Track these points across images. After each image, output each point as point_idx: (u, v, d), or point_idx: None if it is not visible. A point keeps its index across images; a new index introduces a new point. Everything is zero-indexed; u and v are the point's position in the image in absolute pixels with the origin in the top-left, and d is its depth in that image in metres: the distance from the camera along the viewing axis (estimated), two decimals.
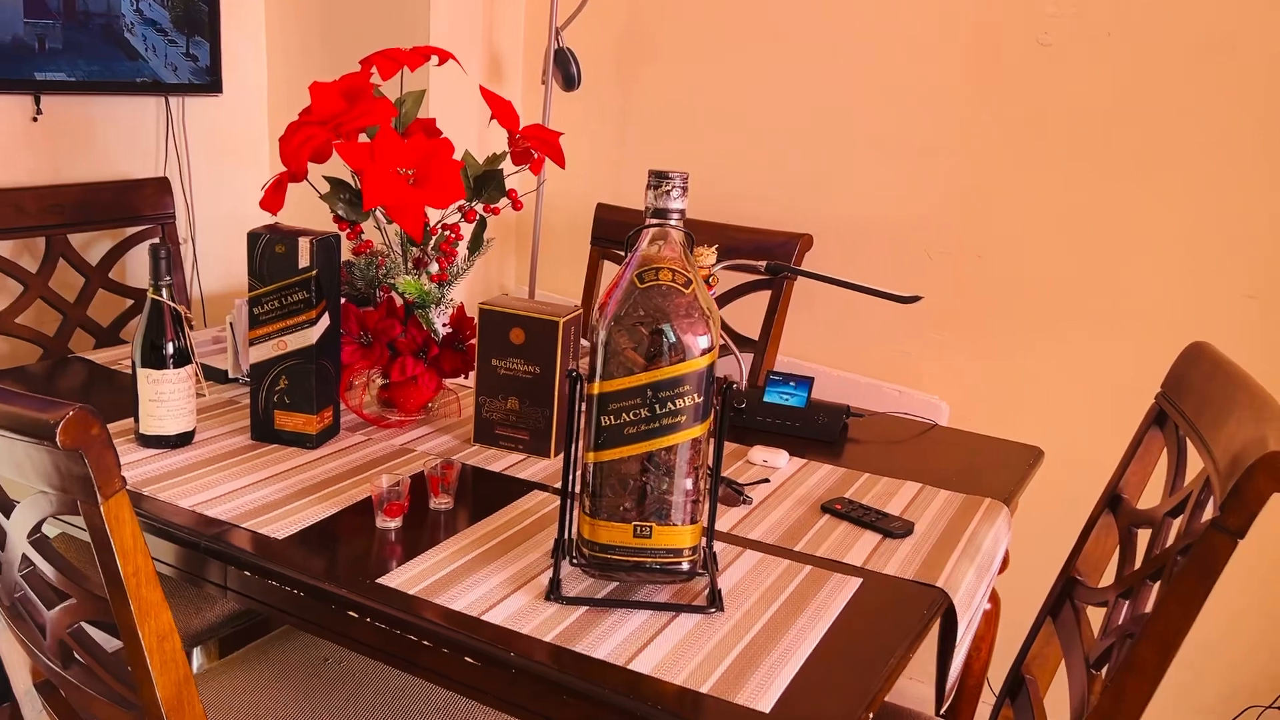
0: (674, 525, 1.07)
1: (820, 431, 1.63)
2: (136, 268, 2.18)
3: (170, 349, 1.37)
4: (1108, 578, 1.36)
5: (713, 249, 1.63)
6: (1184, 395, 1.25)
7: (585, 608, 1.08)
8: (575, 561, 1.10)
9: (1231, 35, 1.80)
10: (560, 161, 1.56)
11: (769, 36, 2.20)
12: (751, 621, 1.07)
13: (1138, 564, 1.25)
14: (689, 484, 1.07)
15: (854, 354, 2.17)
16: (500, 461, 1.44)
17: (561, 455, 1.47)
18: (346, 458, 1.42)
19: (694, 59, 2.30)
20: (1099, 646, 1.20)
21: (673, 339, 1.03)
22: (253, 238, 1.38)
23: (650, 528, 1.07)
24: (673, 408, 1.04)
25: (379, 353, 1.48)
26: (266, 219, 2.51)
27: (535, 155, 1.56)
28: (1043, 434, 2.05)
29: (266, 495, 1.28)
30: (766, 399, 1.67)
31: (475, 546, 1.19)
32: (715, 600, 1.09)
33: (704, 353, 1.04)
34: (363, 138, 1.46)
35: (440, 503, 1.29)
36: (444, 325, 1.50)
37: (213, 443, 1.43)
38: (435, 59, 1.49)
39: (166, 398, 1.37)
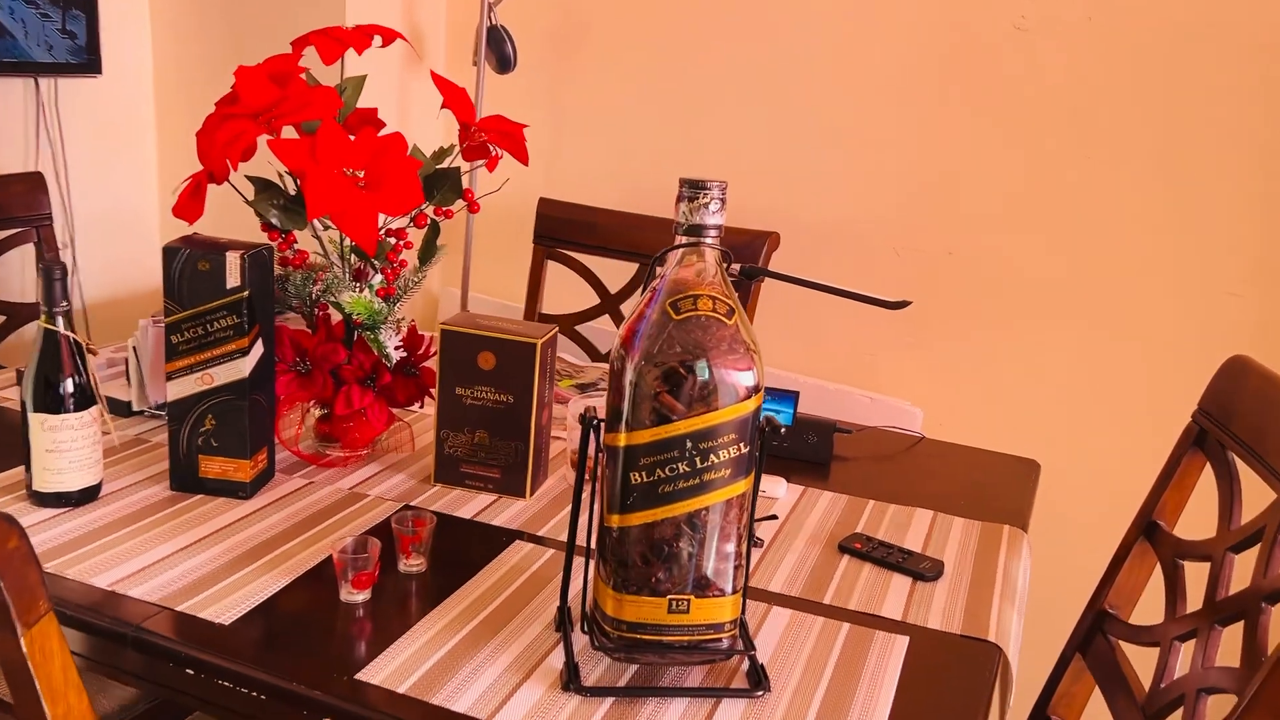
0: (714, 597, 0.91)
1: (811, 452, 1.49)
2: (7, 276, 1.89)
3: (69, 387, 1.14)
4: (1141, 611, 1.27)
5: None
6: (1232, 417, 1.15)
7: (611, 699, 0.91)
8: (598, 645, 0.93)
9: (1214, 23, 1.72)
10: (523, 158, 1.37)
11: (724, 17, 2.04)
12: (806, 701, 0.92)
13: (1189, 600, 1.16)
14: (731, 547, 0.91)
15: (818, 358, 2.05)
16: (468, 505, 1.26)
17: (535, 493, 1.29)
18: (288, 509, 1.21)
19: (642, 41, 2.12)
20: (1161, 696, 1.09)
21: (716, 379, 0.87)
22: (170, 253, 1.16)
23: (688, 601, 0.91)
24: (715, 460, 0.88)
25: (321, 382, 1.28)
26: (157, 215, 2.24)
27: (495, 151, 1.37)
28: (1022, 438, 1.96)
29: (200, 565, 1.07)
30: None
31: (463, 622, 1.01)
32: (761, 680, 0.94)
33: (750, 394, 0.88)
34: (288, 131, 1.24)
35: (412, 565, 1.09)
36: (396, 348, 1.30)
37: (123, 496, 1.21)
38: (379, 39, 1.28)
39: (67, 447, 1.14)
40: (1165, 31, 1.75)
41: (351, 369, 1.29)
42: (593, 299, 1.92)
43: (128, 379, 1.50)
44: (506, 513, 1.24)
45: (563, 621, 1.00)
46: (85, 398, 1.15)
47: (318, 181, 1.13)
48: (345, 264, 1.32)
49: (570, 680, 0.91)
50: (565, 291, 2.01)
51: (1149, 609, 1.29)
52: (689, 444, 0.87)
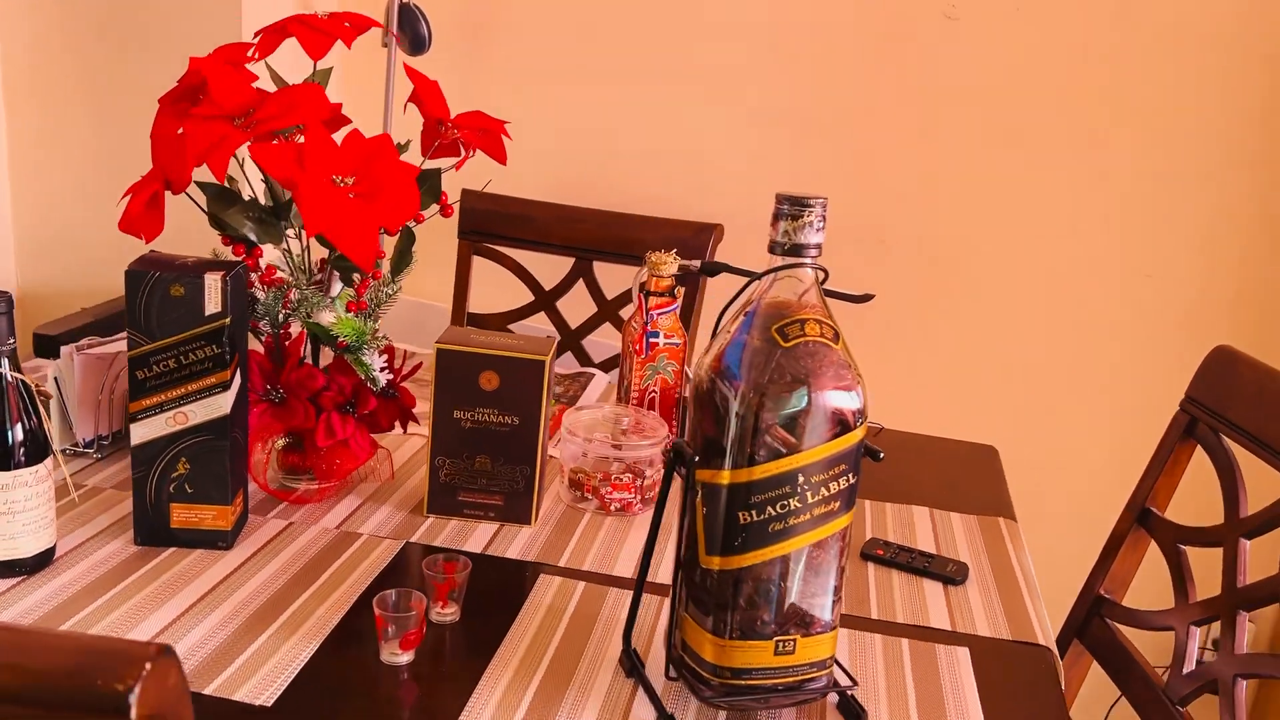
0: (818, 634, 0.87)
1: None
2: None
3: (19, 436, 0.97)
4: (1135, 596, 1.31)
5: (673, 254, 1.40)
6: (1230, 405, 1.20)
7: None
8: (703, 697, 0.87)
9: (1138, 12, 1.79)
10: (502, 157, 1.27)
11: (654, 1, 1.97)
12: None
13: (1198, 585, 1.20)
14: (834, 581, 0.87)
15: None
16: (472, 537, 1.16)
17: (539, 517, 1.21)
18: (279, 557, 1.08)
19: (567, 22, 2.02)
20: (1187, 681, 1.13)
21: (829, 408, 0.82)
22: (135, 278, 1.00)
23: (794, 641, 0.86)
24: (826, 493, 0.84)
25: (303, 413, 1.15)
26: (10, 215, 1.97)
27: (466, 151, 1.26)
28: (956, 421, 2.00)
29: (208, 634, 0.94)
30: None
31: (527, 676, 0.92)
32: (860, 713, 0.90)
33: (859, 420, 0.84)
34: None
35: (445, 614, 1.00)
36: (381, 369, 1.18)
37: (82, 557, 1.05)
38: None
39: (21, 508, 0.98)
40: (1091, 20, 1.80)
41: (332, 395, 1.16)
42: (524, 296, 1.83)
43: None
44: (516, 543, 1.16)
45: (634, 666, 0.93)
46: (38, 448, 0.99)
47: (312, 193, 1.00)
48: (310, 279, 1.19)
49: None
50: (491, 289, 1.90)
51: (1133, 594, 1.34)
52: (801, 479, 0.83)
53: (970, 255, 1.96)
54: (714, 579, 0.85)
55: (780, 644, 0.86)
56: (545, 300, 1.82)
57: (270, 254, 1.18)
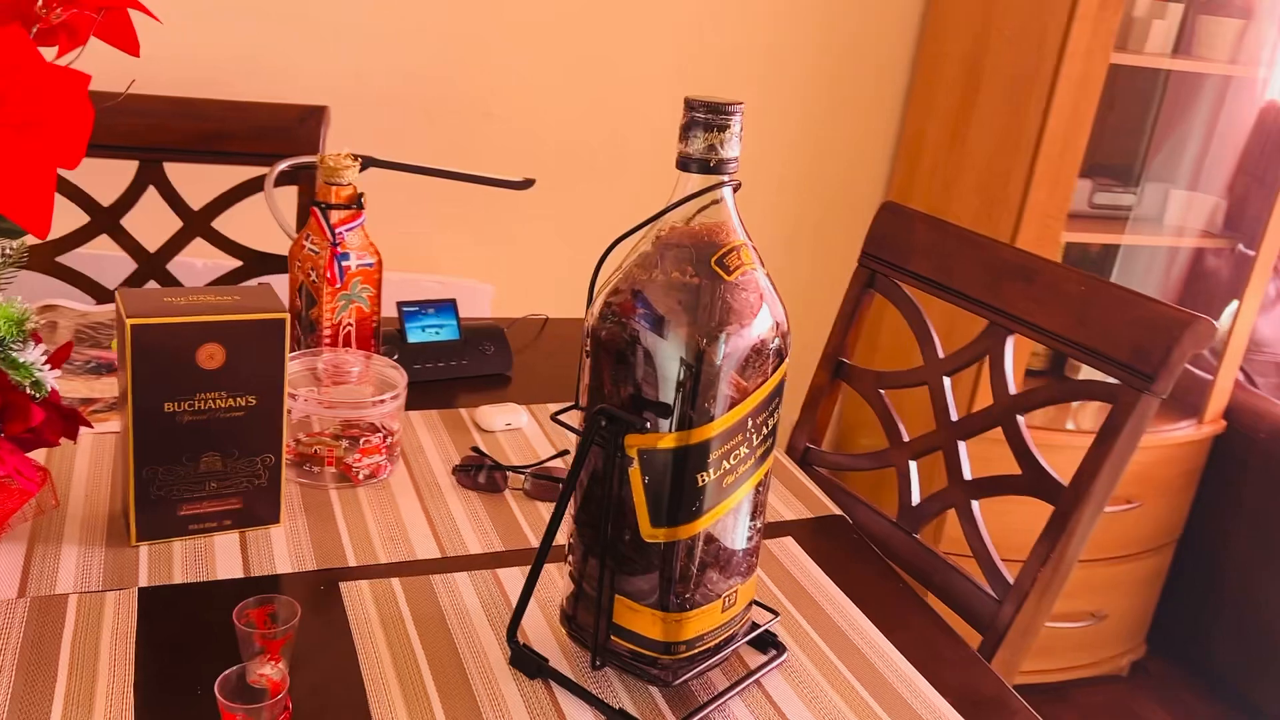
0: (749, 575, 0.81)
1: (491, 364, 1.34)
2: None
3: None
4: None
5: (348, 154, 1.16)
6: (910, 257, 1.31)
7: None
8: (655, 679, 0.77)
9: None
10: (133, 46, 0.93)
11: None
12: (802, 634, 0.88)
13: (905, 425, 1.32)
14: (760, 520, 0.81)
15: None
16: (220, 560, 0.90)
17: (284, 518, 0.97)
18: None
19: None
20: (921, 511, 1.25)
21: (770, 340, 0.74)
22: None
23: (736, 591, 0.80)
24: (765, 431, 0.76)
25: None
26: None
27: (73, 41, 0.90)
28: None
29: None
30: (411, 339, 1.30)
31: (424, 713, 0.75)
32: (774, 640, 0.87)
33: (785, 344, 0.77)
34: None
35: (276, 676, 0.77)
36: (44, 364, 0.83)
37: None
38: None
39: None
40: None
41: None
42: (75, 217, 1.41)
43: None
44: (279, 553, 0.92)
45: (540, 667, 0.80)
46: None
47: None
48: None
49: None
50: None
51: None
52: (749, 422, 0.74)
53: (572, 128, 1.90)
54: (660, 553, 0.74)
55: (726, 599, 0.79)
56: (106, 220, 1.42)
57: None
